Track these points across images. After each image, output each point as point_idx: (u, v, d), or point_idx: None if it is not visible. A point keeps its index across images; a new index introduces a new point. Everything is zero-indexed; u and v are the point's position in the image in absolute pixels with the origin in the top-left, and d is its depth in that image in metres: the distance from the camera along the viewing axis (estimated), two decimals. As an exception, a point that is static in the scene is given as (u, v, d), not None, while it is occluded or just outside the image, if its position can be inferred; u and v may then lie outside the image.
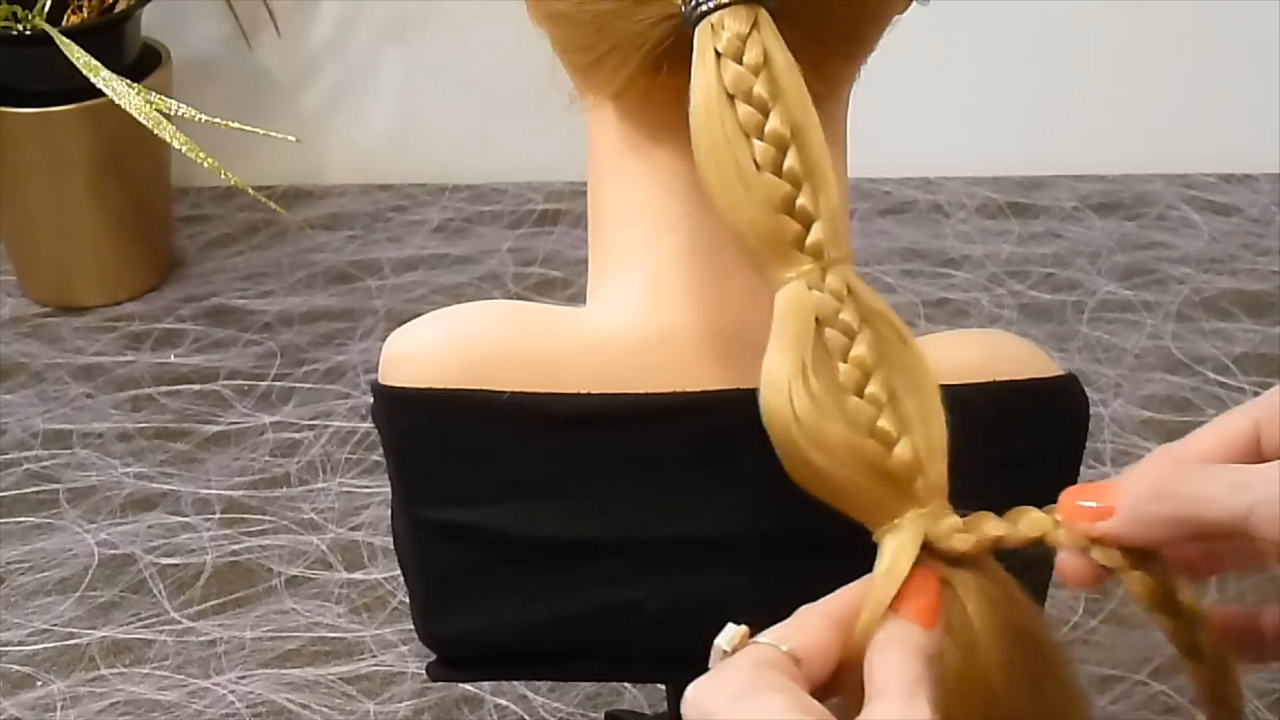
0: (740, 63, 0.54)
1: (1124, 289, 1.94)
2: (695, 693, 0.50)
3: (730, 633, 0.52)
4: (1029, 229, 2.09)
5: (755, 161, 0.53)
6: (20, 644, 1.41)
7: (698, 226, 0.65)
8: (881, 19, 0.65)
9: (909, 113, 2.03)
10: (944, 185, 2.18)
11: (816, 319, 0.52)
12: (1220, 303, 1.91)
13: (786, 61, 0.54)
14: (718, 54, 0.54)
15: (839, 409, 0.51)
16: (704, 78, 0.54)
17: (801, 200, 0.53)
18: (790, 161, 0.53)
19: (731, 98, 0.54)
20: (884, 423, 0.51)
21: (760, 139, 0.53)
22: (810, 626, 0.52)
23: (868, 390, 0.51)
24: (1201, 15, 2.10)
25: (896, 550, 0.51)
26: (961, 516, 0.52)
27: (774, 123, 0.53)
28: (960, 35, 2.05)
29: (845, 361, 0.51)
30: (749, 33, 0.54)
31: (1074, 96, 2.17)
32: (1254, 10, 2.09)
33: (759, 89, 0.54)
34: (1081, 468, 0.73)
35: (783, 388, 0.51)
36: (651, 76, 0.61)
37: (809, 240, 0.53)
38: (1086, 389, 0.73)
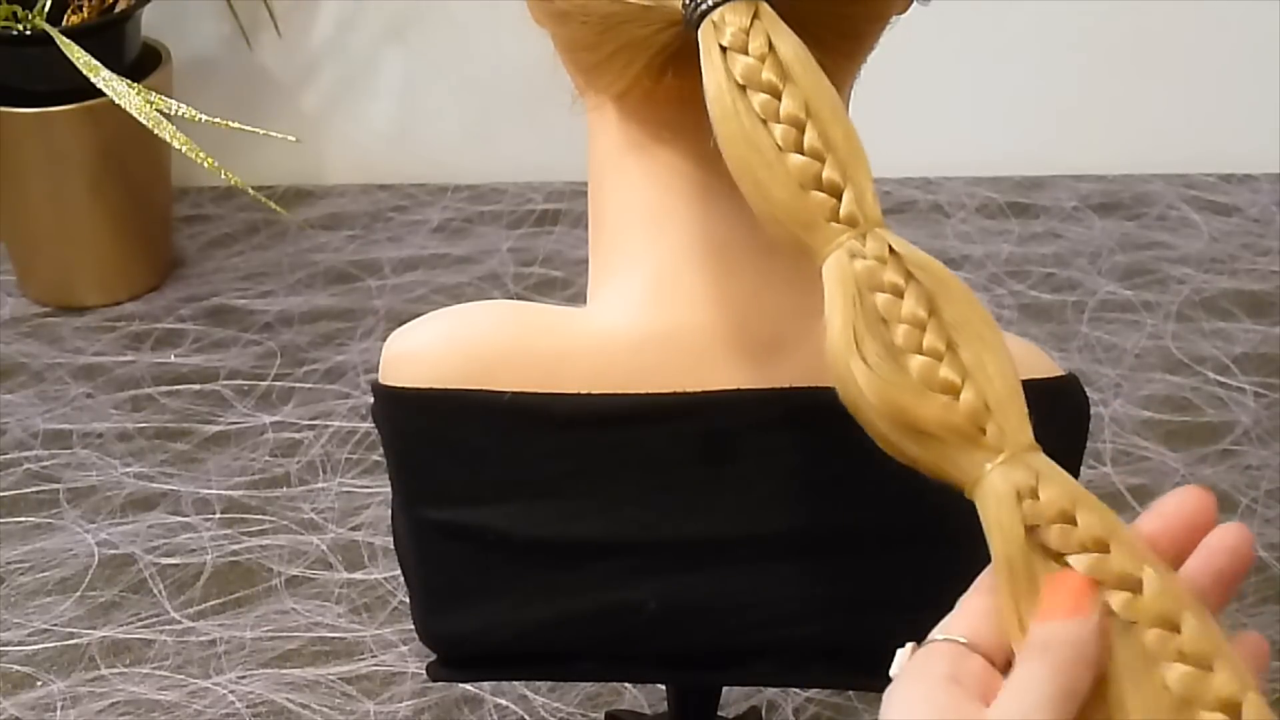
0: (746, 53, 0.54)
1: (1124, 289, 1.94)
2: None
3: (901, 655, 0.50)
4: (1029, 229, 2.09)
5: (777, 144, 0.53)
6: (20, 644, 1.41)
7: (699, 226, 0.65)
8: (881, 18, 0.65)
9: (909, 113, 2.03)
10: (944, 185, 2.18)
11: (864, 286, 0.51)
12: (1220, 303, 1.91)
13: (792, 44, 0.55)
14: (723, 49, 0.54)
15: (901, 370, 0.50)
16: (714, 73, 0.54)
17: (828, 173, 0.53)
18: (810, 138, 0.53)
19: (743, 88, 0.54)
20: (945, 373, 0.50)
21: (778, 122, 0.53)
22: (975, 609, 0.49)
23: (925, 344, 0.51)
24: (1201, 15, 2.10)
25: (995, 513, 0.48)
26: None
27: (788, 105, 0.53)
28: (960, 35, 2.05)
29: (900, 322, 0.51)
30: (750, 24, 0.55)
31: (1074, 96, 2.17)
32: (1254, 10, 2.09)
33: (768, 75, 0.54)
34: (1081, 468, 0.73)
35: (843, 362, 0.51)
36: (656, 79, 0.62)
37: (842, 211, 0.53)
38: (1086, 389, 0.73)
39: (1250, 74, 2.13)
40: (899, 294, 0.51)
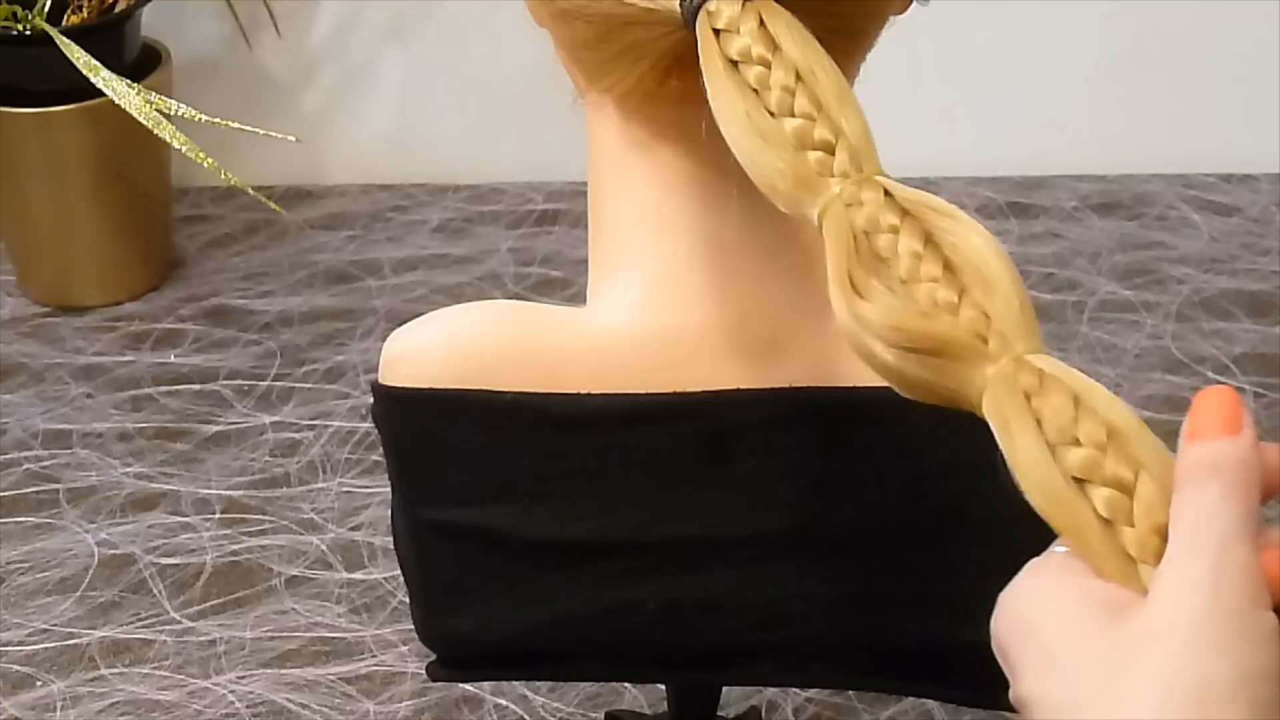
0: (738, 33, 0.55)
1: (1124, 289, 1.94)
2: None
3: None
4: (1029, 229, 2.09)
5: (770, 111, 0.54)
6: (20, 644, 1.41)
7: (700, 226, 0.66)
8: (879, 16, 0.66)
9: (909, 113, 2.02)
10: (944, 185, 2.18)
11: (863, 231, 0.52)
12: (1220, 303, 1.91)
13: (784, 19, 0.56)
14: (716, 32, 0.55)
15: (903, 299, 0.51)
16: (710, 56, 0.55)
17: (819, 132, 0.54)
18: (801, 102, 0.54)
19: (735, 63, 0.55)
20: (943, 294, 0.51)
21: (770, 90, 0.54)
22: None
23: (923, 271, 0.51)
24: (1201, 15, 2.10)
25: (1001, 416, 0.48)
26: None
27: (778, 74, 0.55)
28: (960, 35, 2.05)
29: (899, 257, 0.52)
30: (742, 9, 0.55)
31: (1074, 96, 2.17)
32: (1254, 10, 2.09)
33: (759, 49, 0.55)
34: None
35: (848, 303, 0.51)
36: (660, 82, 0.62)
37: (835, 166, 0.53)
38: (1087, 389, 0.72)
39: (1250, 74, 2.13)
40: (896, 232, 0.52)
